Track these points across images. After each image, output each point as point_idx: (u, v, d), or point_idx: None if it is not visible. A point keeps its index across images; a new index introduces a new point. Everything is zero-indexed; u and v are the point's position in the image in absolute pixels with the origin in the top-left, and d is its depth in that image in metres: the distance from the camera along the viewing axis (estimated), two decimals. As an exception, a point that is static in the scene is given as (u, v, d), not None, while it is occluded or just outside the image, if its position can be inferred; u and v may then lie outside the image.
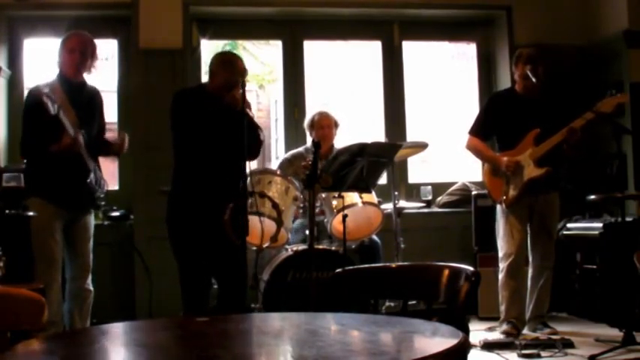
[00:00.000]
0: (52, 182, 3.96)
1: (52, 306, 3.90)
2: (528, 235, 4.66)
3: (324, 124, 5.13)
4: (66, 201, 4.00)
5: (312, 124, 5.16)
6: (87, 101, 4.16)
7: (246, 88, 3.70)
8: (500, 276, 4.61)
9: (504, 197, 4.57)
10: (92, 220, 4.22)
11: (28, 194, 4.05)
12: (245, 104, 3.62)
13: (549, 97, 4.63)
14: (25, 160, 4.17)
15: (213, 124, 3.73)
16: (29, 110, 3.97)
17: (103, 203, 4.28)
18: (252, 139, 3.77)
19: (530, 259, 4.69)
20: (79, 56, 4.06)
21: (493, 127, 4.73)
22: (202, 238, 3.76)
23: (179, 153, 3.86)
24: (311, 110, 5.39)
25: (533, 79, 4.47)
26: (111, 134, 4.59)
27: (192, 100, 3.84)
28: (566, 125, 4.39)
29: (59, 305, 4.03)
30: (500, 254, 4.63)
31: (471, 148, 4.74)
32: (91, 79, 4.25)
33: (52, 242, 3.97)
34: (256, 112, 8.27)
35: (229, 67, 3.79)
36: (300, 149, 5.25)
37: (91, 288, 4.17)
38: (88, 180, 4.04)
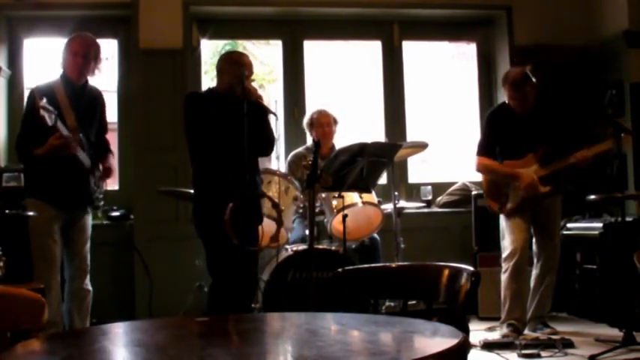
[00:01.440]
0: (49, 184, 3.96)
1: (51, 306, 3.90)
2: (532, 236, 4.66)
3: (324, 122, 5.13)
4: (63, 203, 4.00)
5: (312, 123, 5.15)
6: (88, 103, 4.16)
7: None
8: (504, 277, 4.60)
9: (501, 207, 4.58)
10: (90, 221, 4.22)
11: (26, 195, 4.05)
12: (257, 96, 3.66)
13: (545, 109, 4.62)
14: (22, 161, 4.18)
15: (226, 126, 3.70)
16: (27, 114, 3.97)
17: (102, 203, 4.28)
18: (266, 135, 3.77)
19: (535, 260, 4.69)
20: (81, 59, 4.06)
21: (495, 143, 4.71)
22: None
23: (196, 156, 3.83)
24: (311, 110, 5.38)
25: (534, 79, 4.47)
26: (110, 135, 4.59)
27: (203, 104, 3.82)
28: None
29: (59, 305, 4.03)
30: (504, 255, 4.62)
31: (482, 169, 4.68)
32: (91, 79, 4.25)
33: (52, 243, 3.97)
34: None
35: (236, 67, 3.79)
36: (301, 149, 5.25)
37: (90, 288, 4.17)
38: (91, 184, 4.04)
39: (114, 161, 4.41)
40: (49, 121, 3.70)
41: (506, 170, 4.58)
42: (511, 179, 4.54)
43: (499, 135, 4.66)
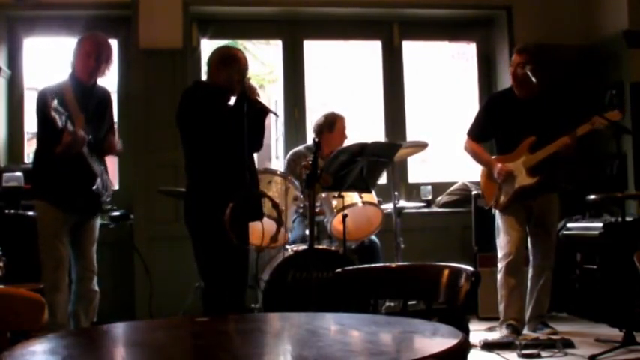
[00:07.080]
0: (58, 187, 3.93)
1: (60, 308, 3.90)
2: (528, 235, 4.67)
3: (344, 129, 5.07)
4: (72, 206, 3.98)
5: (333, 127, 5.05)
6: (96, 103, 4.13)
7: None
8: (499, 275, 4.61)
9: (495, 202, 4.59)
10: (98, 223, 4.21)
11: (35, 196, 4.03)
12: (254, 92, 3.62)
13: (547, 100, 4.61)
14: (32, 161, 4.15)
15: (228, 123, 3.65)
16: (39, 115, 3.92)
17: (109, 207, 4.28)
18: (259, 135, 3.77)
19: (530, 258, 4.69)
20: (94, 62, 4.02)
21: (491, 129, 4.72)
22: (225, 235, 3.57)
23: (196, 153, 3.76)
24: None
25: (534, 79, 4.45)
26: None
27: (214, 97, 3.76)
28: (563, 131, 4.39)
29: (67, 307, 4.02)
30: (499, 254, 4.63)
31: (468, 150, 4.75)
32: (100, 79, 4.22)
33: (60, 245, 3.96)
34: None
35: (232, 65, 3.74)
36: (301, 148, 5.21)
37: (97, 289, 4.15)
38: (95, 187, 4.01)
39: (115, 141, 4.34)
40: (60, 122, 3.67)
41: (486, 158, 4.68)
42: (488, 167, 4.62)
43: (496, 121, 4.65)
